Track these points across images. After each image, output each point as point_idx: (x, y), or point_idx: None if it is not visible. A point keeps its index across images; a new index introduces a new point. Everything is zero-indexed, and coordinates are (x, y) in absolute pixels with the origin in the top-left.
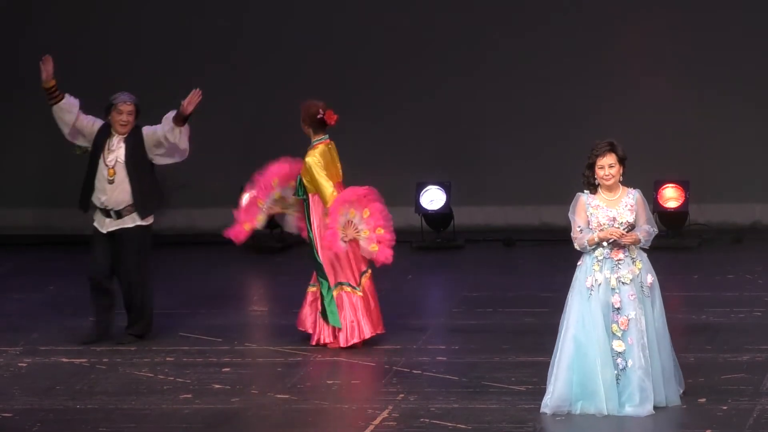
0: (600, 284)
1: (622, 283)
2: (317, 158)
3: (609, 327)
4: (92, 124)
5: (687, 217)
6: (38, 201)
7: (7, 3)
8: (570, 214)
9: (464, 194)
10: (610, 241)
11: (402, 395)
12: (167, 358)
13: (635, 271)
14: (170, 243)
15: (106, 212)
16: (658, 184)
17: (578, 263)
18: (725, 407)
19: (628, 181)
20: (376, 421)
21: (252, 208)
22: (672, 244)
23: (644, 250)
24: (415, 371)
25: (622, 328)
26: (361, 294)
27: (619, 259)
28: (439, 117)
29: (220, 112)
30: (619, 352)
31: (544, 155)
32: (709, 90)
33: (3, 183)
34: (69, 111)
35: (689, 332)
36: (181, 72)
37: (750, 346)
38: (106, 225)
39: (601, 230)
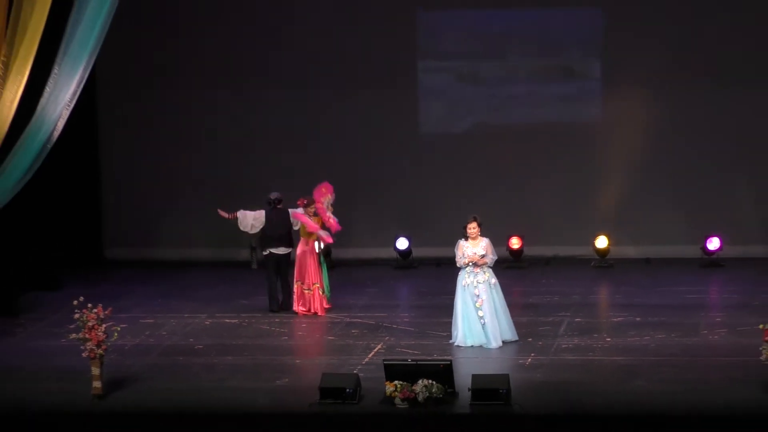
0: (470, 283)
1: (479, 282)
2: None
3: (475, 305)
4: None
5: (522, 252)
6: (214, 243)
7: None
8: (455, 250)
9: (418, 241)
10: (473, 263)
11: (387, 338)
12: (275, 320)
13: (486, 277)
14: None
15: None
16: (508, 236)
17: (459, 272)
18: (540, 343)
19: (493, 234)
20: (374, 351)
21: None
22: (515, 266)
23: (491, 267)
24: (393, 326)
25: (479, 305)
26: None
27: (477, 271)
28: (405, 200)
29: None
30: (481, 316)
31: (457, 219)
32: (529, 181)
33: (190, 232)
34: (242, 222)
35: (524, 308)
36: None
37: (554, 313)
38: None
39: (469, 257)
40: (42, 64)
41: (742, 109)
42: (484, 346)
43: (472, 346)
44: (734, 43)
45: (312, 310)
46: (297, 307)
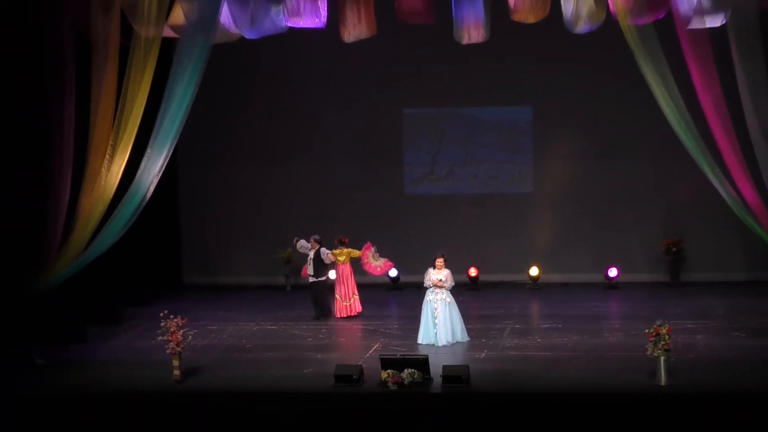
0: (431, 299)
1: (438, 299)
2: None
3: (433, 315)
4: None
5: (478, 278)
6: (260, 272)
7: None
8: (425, 275)
9: (405, 270)
10: (435, 284)
11: (382, 339)
12: (303, 326)
13: (443, 297)
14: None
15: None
16: (467, 267)
17: (426, 291)
18: (491, 342)
19: (458, 265)
20: (372, 348)
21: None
22: (473, 288)
23: (449, 290)
24: (387, 330)
25: (435, 315)
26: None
27: (437, 290)
28: (396, 241)
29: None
30: (435, 323)
31: (434, 255)
32: (484, 228)
33: (244, 264)
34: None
35: (478, 317)
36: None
37: (500, 322)
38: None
39: (433, 281)
40: (139, 146)
41: (628, 176)
42: (435, 344)
43: (426, 344)
44: (623, 131)
45: (355, 312)
46: (348, 313)
